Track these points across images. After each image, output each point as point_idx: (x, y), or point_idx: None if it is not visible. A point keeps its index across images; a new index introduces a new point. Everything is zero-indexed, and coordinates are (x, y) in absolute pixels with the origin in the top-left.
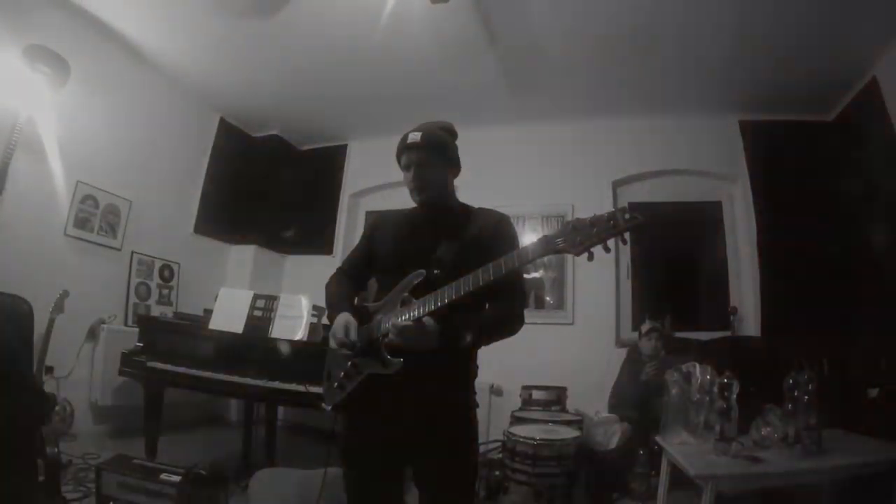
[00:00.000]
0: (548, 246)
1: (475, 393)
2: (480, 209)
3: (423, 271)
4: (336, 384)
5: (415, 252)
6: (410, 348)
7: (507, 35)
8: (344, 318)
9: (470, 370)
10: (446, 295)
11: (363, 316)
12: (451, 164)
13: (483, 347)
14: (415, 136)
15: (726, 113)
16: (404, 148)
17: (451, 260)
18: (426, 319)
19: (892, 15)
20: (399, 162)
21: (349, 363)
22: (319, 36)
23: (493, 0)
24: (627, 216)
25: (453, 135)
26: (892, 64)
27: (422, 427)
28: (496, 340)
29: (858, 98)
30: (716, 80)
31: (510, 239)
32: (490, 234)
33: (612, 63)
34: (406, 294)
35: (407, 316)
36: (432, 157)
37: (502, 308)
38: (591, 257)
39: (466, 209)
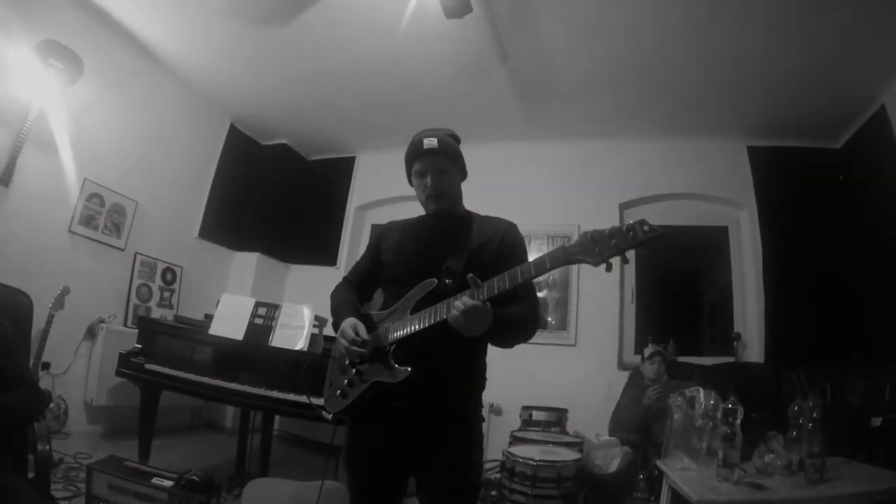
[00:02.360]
0: (566, 256)
1: (482, 406)
2: (487, 217)
3: (434, 280)
4: (339, 392)
5: (424, 262)
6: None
7: (519, 53)
8: (351, 320)
9: (478, 383)
10: (486, 291)
11: (368, 325)
12: (462, 170)
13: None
14: (431, 142)
15: (734, 138)
16: (420, 153)
17: (461, 270)
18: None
19: None
20: (410, 168)
21: (353, 371)
22: (333, 47)
23: (506, 17)
24: (647, 228)
25: (458, 141)
26: None
27: (426, 439)
28: (514, 342)
29: (866, 126)
30: (725, 105)
31: (519, 248)
32: (499, 243)
33: (622, 85)
34: (420, 298)
35: (415, 325)
36: (449, 162)
37: (522, 309)
38: (609, 268)
39: (473, 217)
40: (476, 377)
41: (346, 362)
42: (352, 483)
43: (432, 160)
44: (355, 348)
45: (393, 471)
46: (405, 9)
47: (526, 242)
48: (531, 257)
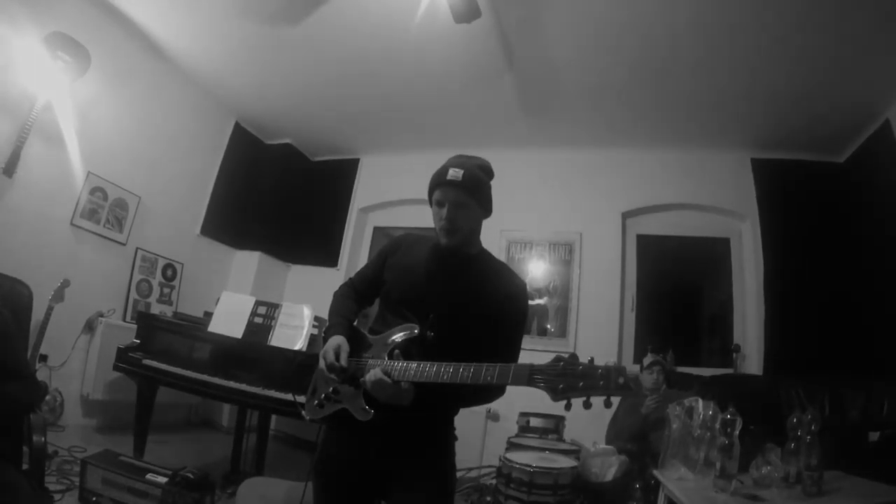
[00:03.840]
0: (530, 379)
1: (454, 428)
2: (501, 267)
3: (416, 328)
4: (316, 402)
5: (419, 298)
6: (384, 401)
7: (525, 60)
8: (337, 341)
9: (447, 435)
10: (426, 373)
11: (355, 345)
12: (486, 207)
13: None
14: (456, 174)
15: (738, 150)
16: (442, 183)
17: (450, 322)
18: (403, 384)
19: None
20: (431, 195)
21: (331, 388)
22: (341, 48)
23: (513, 24)
24: (621, 381)
25: (490, 175)
26: None
27: (397, 457)
28: (465, 406)
29: (871, 140)
30: (729, 117)
31: (516, 316)
32: (498, 309)
33: (626, 94)
34: (397, 351)
35: (390, 373)
36: (471, 198)
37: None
38: (568, 407)
39: (486, 262)
40: (444, 430)
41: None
42: (319, 493)
43: (452, 192)
44: (331, 375)
45: (360, 490)
46: (415, 12)
47: (528, 249)
48: (530, 268)
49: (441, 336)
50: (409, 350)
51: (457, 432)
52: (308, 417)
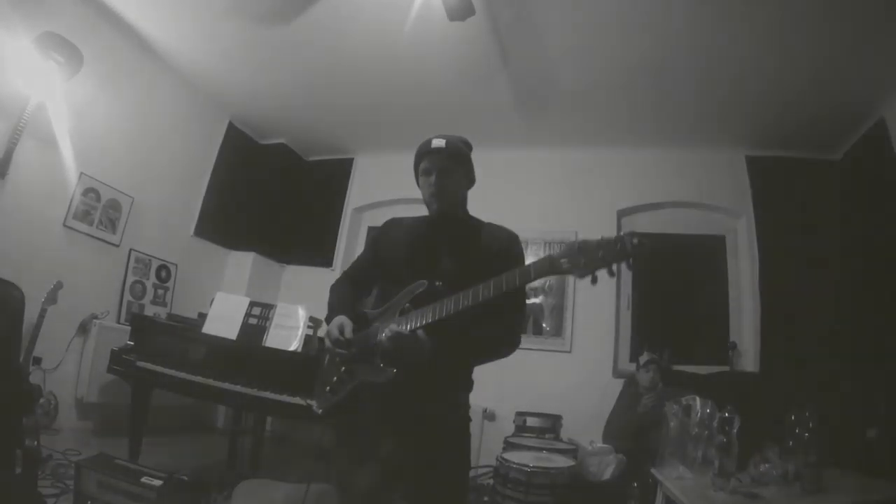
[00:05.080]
0: (552, 266)
1: (469, 407)
2: (490, 224)
3: (424, 282)
4: (328, 388)
5: (420, 262)
6: (401, 358)
7: (519, 58)
8: (340, 319)
9: (466, 384)
10: (445, 308)
11: (363, 323)
12: (469, 176)
13: (478, 368)
14: (439, 142)
15: (734, 148)
16: (427, 152)
17: (455, 273)
18: (420, 333)
19: None
20: (417, 167)
21: (342, 368)
22: (335, 47)
23: (508, 22)
24: (635, 241)
25: (470, 148)
26: None
27: (413, 442)
28: (487, 362)
29: (865, 138)
30: (724, 115)
31: (517, 258)
32: (497, 251)
33: (622, 93)
34: (407, 304)
35: (405, 326)
36: (456, 164)
37: (497, 328)
38: (594, 280)
39: (476, 223)
40: (464, 378)
41: (336, 360)
42: (340, 489)
43: (438, 159)
44: (338, 349)
45: (378, 476)
46: (409, 10)
47: (524, 247)
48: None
49: (451, 286)
50: (422, 307)
51: None
52: (320, 410)
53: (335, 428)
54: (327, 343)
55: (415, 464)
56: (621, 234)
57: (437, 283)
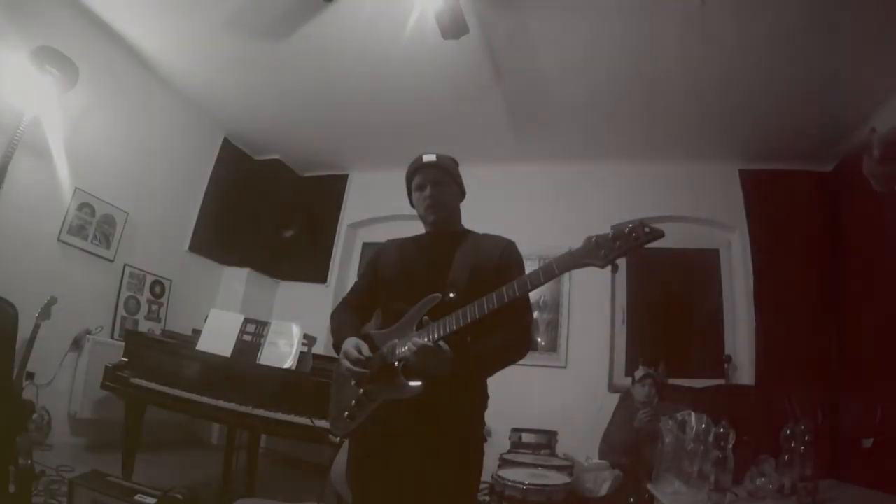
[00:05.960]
0: (574, 260)
1: (485, 425)
2: (485, 234)
3: (438, 295)
4: (346, 414)
5: (426, 276)
6: (428, 371)
7: (513, 75)
8: (353, 339)
9: (481, 402)
10: (469, 314)
11: (369, 345)
12: (461, 188)
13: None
14: (430, 157)
15: (726, 161)
16: (420, 167)
17: (464, 283)
18: (442, 344)
19: (891, 69)
20: (410, 183)
21: (361, 391)
22: (330, 64)
23: (502, 40)
24: (647, 230)
25: (457, 164)
26: (891, 116)
27: (428, 460)
28: (506, 367)
29: (857, 149)
30: (716, 129)
31: (518, 264)
32: (498, 258)
33: (614, 108)
34: (425, 317)
35: (427, 338)
36: (448, 176)
37: (511, 333)
38: (615, 269)
39: (472, 235)
40: (481, 394)
41: (353, 382)
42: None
43: (431, 172)
44: (358, 368)
45: (392, 492)
46: (403, 28)
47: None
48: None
49: (463, 296)
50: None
51: None
52: (338, 437)
53: (349, 448)
54: (346, 365)
55: (428, 480)
56: (633, 224)
57: (450, 295)
